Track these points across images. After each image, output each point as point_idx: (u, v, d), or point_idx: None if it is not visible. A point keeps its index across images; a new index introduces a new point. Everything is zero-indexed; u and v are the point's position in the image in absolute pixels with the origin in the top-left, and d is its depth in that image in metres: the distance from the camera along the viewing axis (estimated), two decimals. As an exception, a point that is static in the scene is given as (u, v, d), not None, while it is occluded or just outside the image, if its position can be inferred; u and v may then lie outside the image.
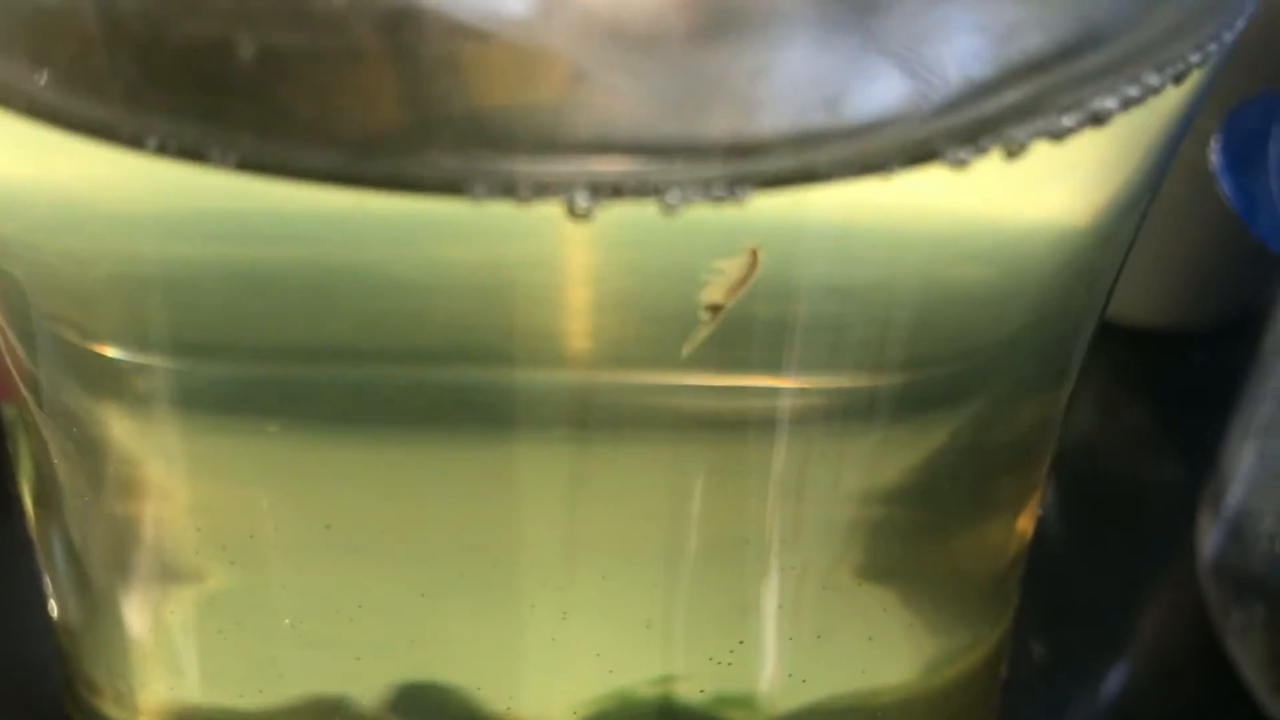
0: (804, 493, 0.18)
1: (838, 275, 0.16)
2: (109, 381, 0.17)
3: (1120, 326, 0.40)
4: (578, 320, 0.16)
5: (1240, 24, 0.16)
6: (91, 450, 0.18)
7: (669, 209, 0.13)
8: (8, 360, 0.19)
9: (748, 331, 0.16)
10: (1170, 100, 0.16)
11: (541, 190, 0.13)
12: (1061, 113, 0.14)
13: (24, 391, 0.19)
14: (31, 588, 0.23)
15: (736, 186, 0.13)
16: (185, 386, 0.17)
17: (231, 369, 0.16)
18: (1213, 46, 0.15)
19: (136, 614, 0.20)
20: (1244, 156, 0.29)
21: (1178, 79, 0.15)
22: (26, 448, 0.20)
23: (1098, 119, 0.15)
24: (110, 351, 0.17)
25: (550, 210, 0.13)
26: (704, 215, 0.13)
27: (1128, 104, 0.15)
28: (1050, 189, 0.16)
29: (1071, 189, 0.17)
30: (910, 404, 0.18)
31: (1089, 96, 0.14)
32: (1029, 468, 0.22)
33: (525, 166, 0.13)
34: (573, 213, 0.13)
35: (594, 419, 0.17)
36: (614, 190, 0.13)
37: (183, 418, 0.17)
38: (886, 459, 0.18)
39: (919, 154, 0.14)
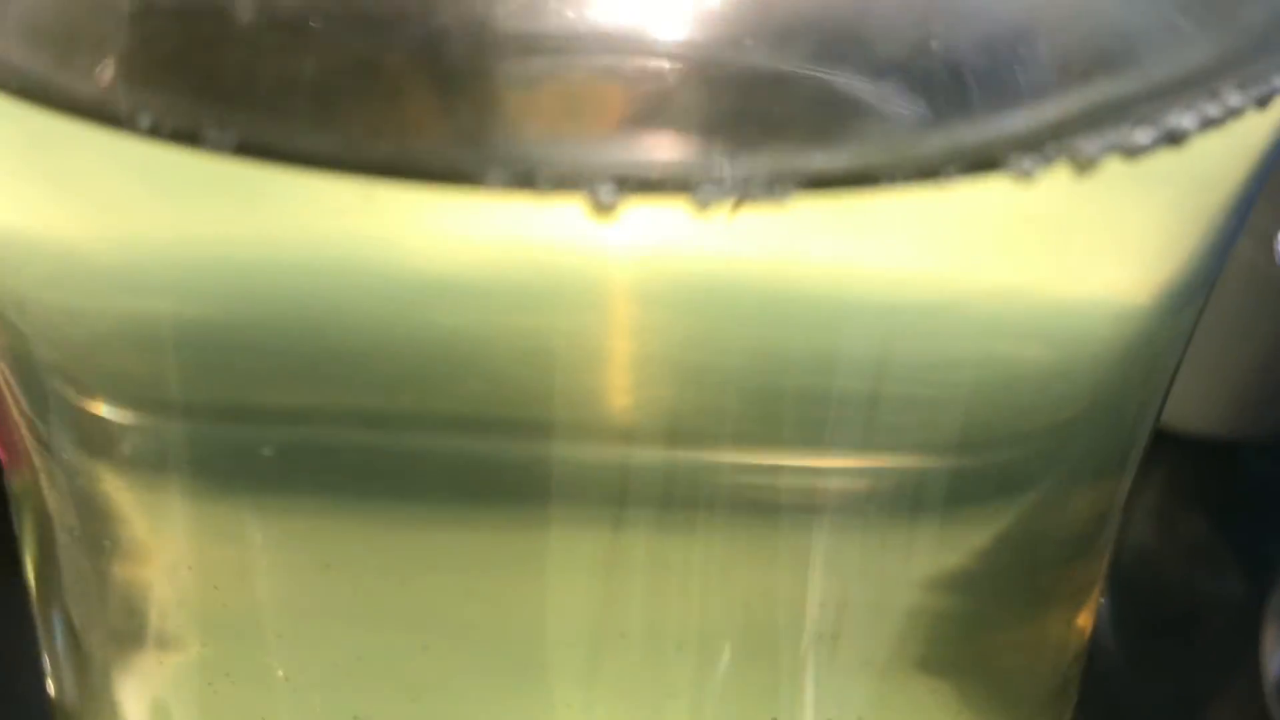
0: (852, 582, 0.17)
1: (889, 350, 0.15)
2: (114, 444, 0.16)
3: (1177, 435, 0.39)
4: (617, 389, 0.15)
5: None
6: (93, 516, 0.18)
7: (701, 206, 0.12)
8: (17, 423, 0.18)
9: (795, 408, 0.15)
10: (1251, 131, 0.15)
11: (562, 182, 0.12)
12: (1134, 126, 0.13)
13: (31, 456, 0.18)
14: (32, 666, 0.22)
15: (776, 185, 0.12)
16: (193, 450, 0.16)
17: (236, 432, 0.16)
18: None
19: (135, 698, 0.19)
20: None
21: (1261, 102, 0.14)
22: (30, 521, 0.20)
23: (1174, 138, 0.13)
24: (113, 412, 0.16)
25: (571, 214, 0.12)
26: (750, 276, 0.12)
27: (1206, 125, 0.14)
28: (1112, 259, 0.15)
29: (1134, 261, 0.16)
30: (965, 490, 0.17)
31: (1164, 110, 0.13)
32: (1088, 560, 0.21)
33: (544, 154, 0.12)
34: (596, 208, 0.12)
35: (634, 498, 0.16)
36: (641, 184, 0.12)
37: (190, 483, 0.16)
38: (940, 546, 0.17)
39: (980, 160, 0.12)
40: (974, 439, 0.16)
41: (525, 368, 0.14)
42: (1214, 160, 0.15)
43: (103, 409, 0.16)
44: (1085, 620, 0.22)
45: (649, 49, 0.12)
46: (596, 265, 0.13)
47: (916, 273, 0.14)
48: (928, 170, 0.12)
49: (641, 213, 0.12)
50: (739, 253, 0.13)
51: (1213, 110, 0.13)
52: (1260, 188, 0.17)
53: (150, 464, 0.16)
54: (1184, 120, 0.13)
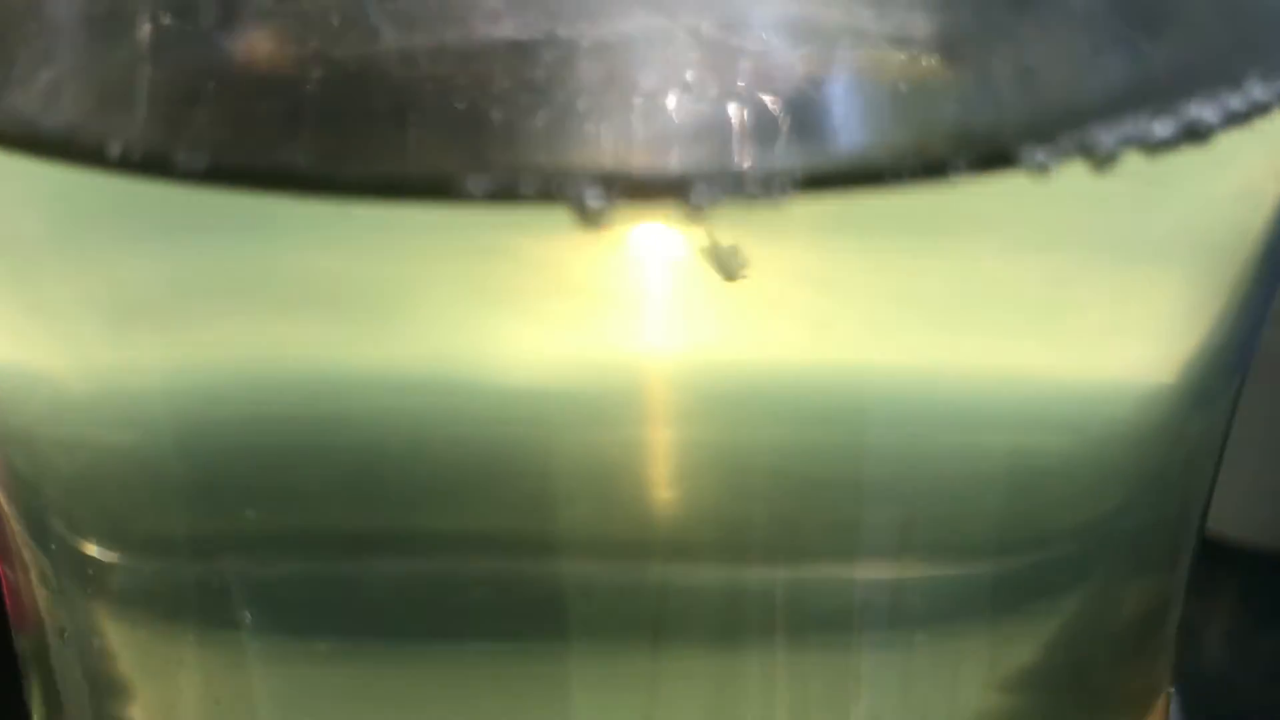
0: (900, 691, 0.16)
1: (914, 451, 0.14)
2: (118, 586, 0.16)
3: (1250, 552, 0.37)
4: (639, 498, 0.14)
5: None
6: (98, 661, 0.17)
7: (695, 211, 0.11)
8: (29, 572, 0.17)
9: (824, 512, 0.14)
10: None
11: (546, 187, 0.11)
12: (1153, 117, 0.12)
13: (40, 609, 0.17)
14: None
15: (772, 183, 0.11)
16: (205, 598, 0.16)
17: (219, 566, 0.15)
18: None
19: None
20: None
21: (1287, 101, 0.13)
22: (39, 682, 0.19)
23: (1195, 132, 0.13)
24: (110, 552, 0.16)
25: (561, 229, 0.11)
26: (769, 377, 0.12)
27: (1230, 119, 0.13)
28: (1131, 331, 0.15)
29: (1154, 333, 0.15)
30: (1009, 591, 0.16)
31: (1184, 101, 0.12)
32: (1147, 660, 0.20)
33: (528, 160, 0.11)
34: (582, 214, 0.11)
35: (668, 617, 0.15)
36: (630, 188, 0.11)
37: (190, 624, 0.16)
38: (988, 650, 0.17)
39: (990, 153, 0.12)
40: (1011, 537, 0.16)
41: (542, 480, 0.14)
42: (1243, 171, 0.14)
43: (96, 548, 0.16)
44: (1157, 723, 0.21)
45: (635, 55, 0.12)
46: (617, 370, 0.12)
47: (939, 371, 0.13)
48: (934, 166, 0.12)
49: (632, 221, 0.12)
50: (750, 283, 0.12)
51: (1235, 102, 0.13)
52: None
53: (154, 607, 0.16)
54: (1205, 112, 0.13)
